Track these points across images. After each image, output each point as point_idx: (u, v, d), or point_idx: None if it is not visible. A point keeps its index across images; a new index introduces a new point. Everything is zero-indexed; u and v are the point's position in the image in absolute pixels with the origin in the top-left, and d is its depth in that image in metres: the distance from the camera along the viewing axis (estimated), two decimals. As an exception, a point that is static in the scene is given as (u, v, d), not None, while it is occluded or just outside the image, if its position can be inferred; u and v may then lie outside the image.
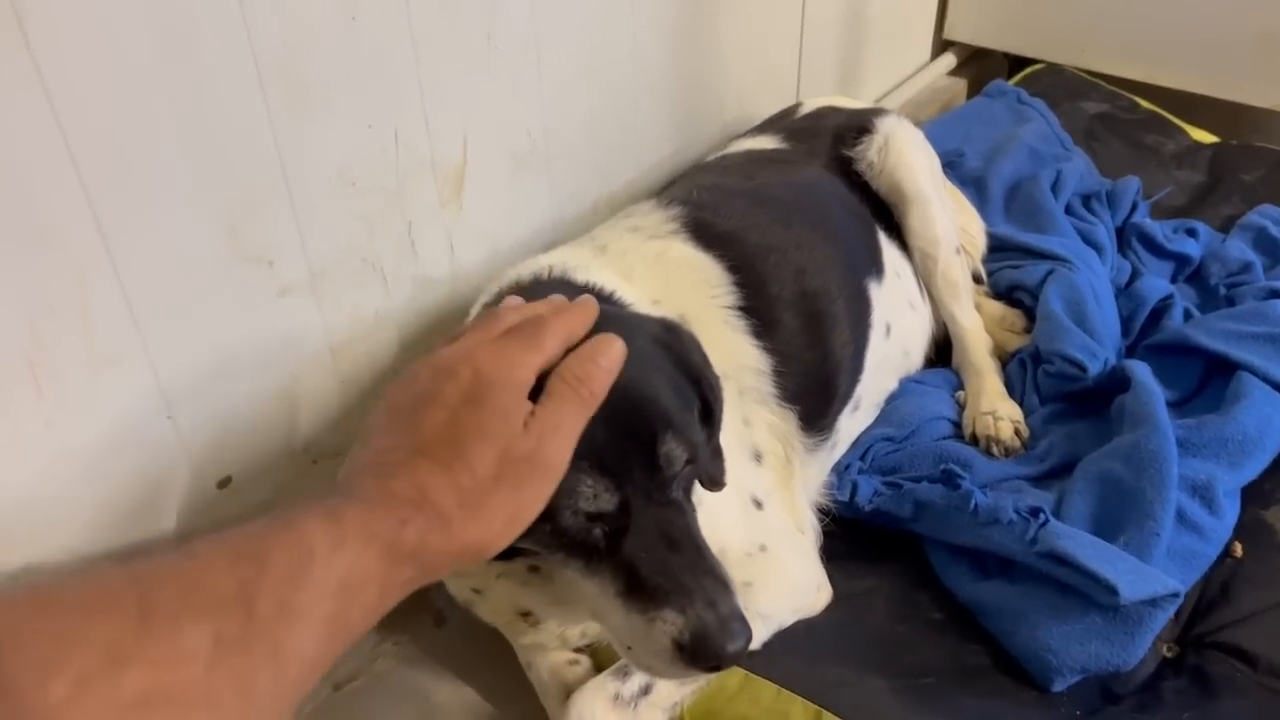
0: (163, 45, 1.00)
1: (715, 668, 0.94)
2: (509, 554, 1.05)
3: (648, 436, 0.94)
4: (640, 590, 0.92)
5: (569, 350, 0.90)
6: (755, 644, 1.23)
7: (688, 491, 1.01)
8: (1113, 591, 1.17)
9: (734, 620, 0.92)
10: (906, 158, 1.69)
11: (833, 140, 1.74)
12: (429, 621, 1.45)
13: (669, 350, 1.04)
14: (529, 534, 0.86)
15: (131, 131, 1.01)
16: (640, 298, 1.27)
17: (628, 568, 0.93)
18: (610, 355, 0.89)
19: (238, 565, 0.63)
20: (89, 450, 1.08)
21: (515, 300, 1.01)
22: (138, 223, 1.04)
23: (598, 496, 0.92)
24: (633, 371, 0.94)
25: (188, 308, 1.12)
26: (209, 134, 1.07)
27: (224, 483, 1.25)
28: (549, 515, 0.88)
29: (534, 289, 1.19)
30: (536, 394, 0.85)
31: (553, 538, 0.94)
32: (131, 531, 1.16)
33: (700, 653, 0.91)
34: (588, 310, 0.96)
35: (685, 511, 0.98)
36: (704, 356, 1.09)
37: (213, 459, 1.22)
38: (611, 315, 1.02)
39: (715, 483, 1.10)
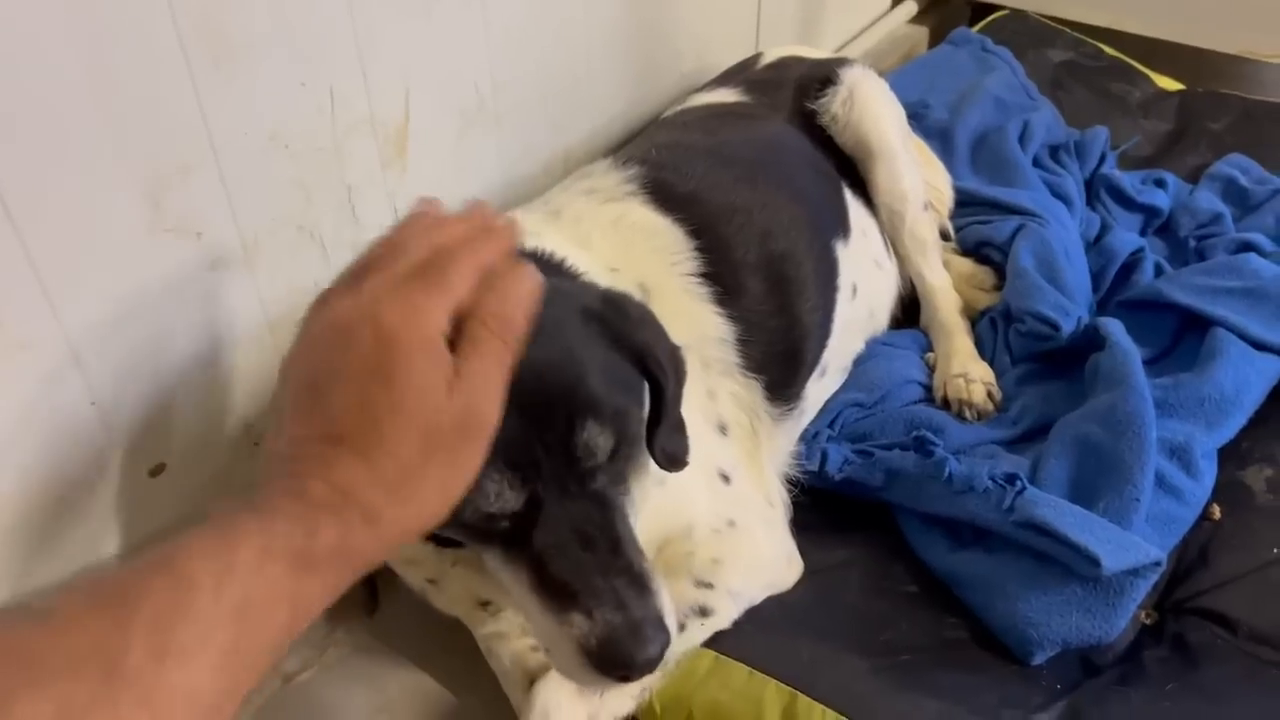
0: (67, -5, 0.91)
1: (625, 677, 0.88)
2: (457, 541, 1.00)
3: (563, 424, 0.87)
4: (551, 589, 0.87)
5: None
6: (725, 623, 1.20)
7: (618, 481, 0.94)
8: (1095, 562, 1.14)
9: (647, 625, 0.86)
10: (872, 110, 1.63)
11: (795, 92, 1.68)
12: (383, 606, 1.38)
13: (604, 324, 0.95)
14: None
15: (34, 92, 0.92)
16: (595, 265, 1.20)
17: (539, 562, 0.87)
18: (528, 286, 0.82)
19: (102, 615, 0.58)
20: (3, 443, 1.00)
21: (423, 209, 0.90)
22: (46, 194, 0.95)
23: (500, 495, 0.86)
24: (549, 350, 0.87)
25: (108, 285, 1.04)
26: (123, 94, 0.99)
27: (157, 470, 1.17)
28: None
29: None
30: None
31: (460, 530, 0.89)
32: (58, 528, 1.08)
33: (608, 660, 0.85)
34: (502, 236, 0.86)
35: (608, 504, 0.91)
36: (656, 331, 1.01)
37: (143, 446, 1.15)
38: None
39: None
